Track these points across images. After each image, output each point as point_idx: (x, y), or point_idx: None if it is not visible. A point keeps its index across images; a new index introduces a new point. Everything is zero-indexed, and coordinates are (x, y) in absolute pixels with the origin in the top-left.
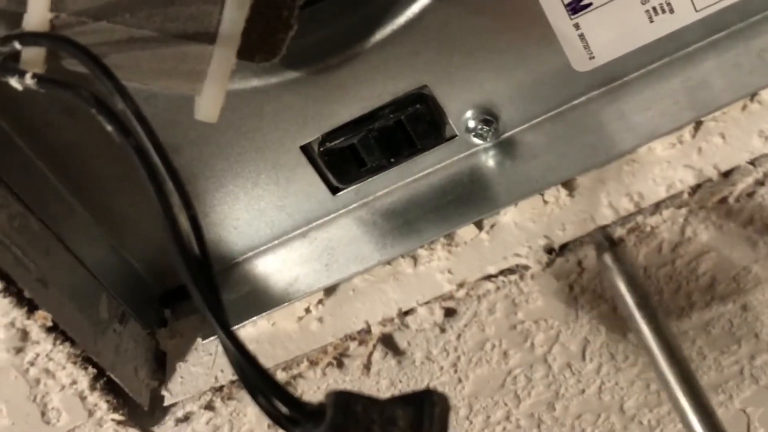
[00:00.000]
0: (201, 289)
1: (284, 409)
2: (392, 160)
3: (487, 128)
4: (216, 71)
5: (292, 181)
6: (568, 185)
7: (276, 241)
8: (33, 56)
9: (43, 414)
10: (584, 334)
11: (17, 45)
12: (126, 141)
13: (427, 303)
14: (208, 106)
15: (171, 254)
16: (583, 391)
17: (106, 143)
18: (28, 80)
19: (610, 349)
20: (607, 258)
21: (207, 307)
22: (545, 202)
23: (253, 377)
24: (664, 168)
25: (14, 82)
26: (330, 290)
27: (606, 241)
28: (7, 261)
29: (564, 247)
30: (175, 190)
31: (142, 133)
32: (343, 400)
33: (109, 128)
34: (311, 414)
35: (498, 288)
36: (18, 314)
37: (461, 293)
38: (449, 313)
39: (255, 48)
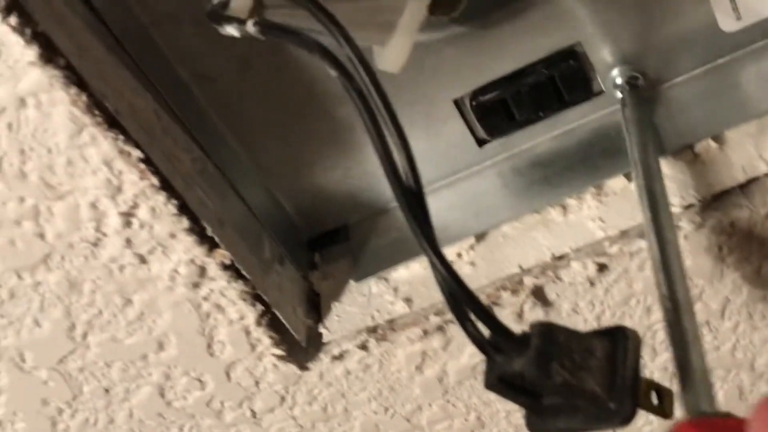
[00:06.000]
0: (416, 217)
1: (487, 335)
2: (541, 114)
3: (634, 84)
4: (407, 23)
5: (441, 133)
6: (718, 139)
7: None
8: (242, 5)
9: (209, 346)
10: (726, 293)
11: None
12: (350, 85)
13: (579, 250)
14: (394, 56)
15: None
16: (718, 348)
17: (271, 93)
18: (250, 27)
19: (749, 309)
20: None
21: (421, 233)
22: (695, 155)
23: (463, 302)
24: None
25: (231, 30)
26: (480, 236)
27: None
28: (193, 201)
29: (716, 199)
30: (394, 131)
31: (366, 78)
32: (547, 329)
33: (334, 73)
34: (516, 342)
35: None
36: (199, 252)
37: (614, 249)
38: (601, 268)
39: (436, 2)
